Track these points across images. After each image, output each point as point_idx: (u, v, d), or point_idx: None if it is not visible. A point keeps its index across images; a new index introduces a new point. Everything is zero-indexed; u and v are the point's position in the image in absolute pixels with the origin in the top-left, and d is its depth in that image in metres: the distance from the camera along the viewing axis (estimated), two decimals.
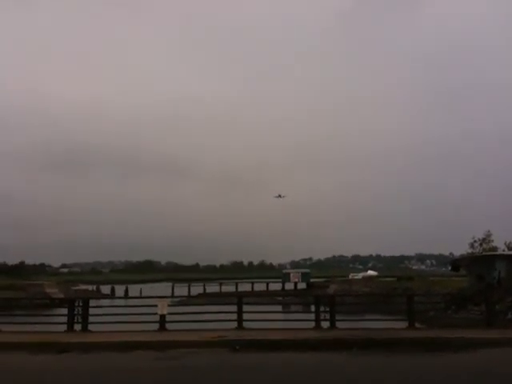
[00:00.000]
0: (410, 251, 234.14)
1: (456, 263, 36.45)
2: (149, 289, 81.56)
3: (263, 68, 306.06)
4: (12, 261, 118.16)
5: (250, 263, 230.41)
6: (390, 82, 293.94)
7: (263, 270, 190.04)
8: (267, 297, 57.52)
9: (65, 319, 19.71)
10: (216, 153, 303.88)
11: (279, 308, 36.82)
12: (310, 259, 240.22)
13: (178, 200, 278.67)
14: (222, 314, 20.16)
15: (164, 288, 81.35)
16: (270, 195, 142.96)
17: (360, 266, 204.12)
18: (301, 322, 20.58)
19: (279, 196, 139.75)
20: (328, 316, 19.76)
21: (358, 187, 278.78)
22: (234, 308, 19.70)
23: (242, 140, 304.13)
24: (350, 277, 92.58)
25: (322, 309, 20.08)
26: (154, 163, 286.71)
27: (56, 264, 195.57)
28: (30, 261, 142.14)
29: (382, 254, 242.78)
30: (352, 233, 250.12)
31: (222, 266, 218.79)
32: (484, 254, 39.52)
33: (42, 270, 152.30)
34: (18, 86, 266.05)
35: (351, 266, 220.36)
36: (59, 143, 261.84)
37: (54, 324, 20.45)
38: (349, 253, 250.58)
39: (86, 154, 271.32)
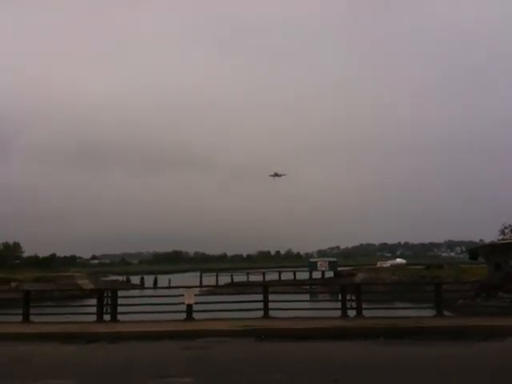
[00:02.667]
0: (440, 238, 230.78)
1: (474, 251, 35.94)
2: (177, 279, 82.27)
3: (277, 59, 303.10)
4: (43, 253, 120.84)
5: (277, 252, 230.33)
6: (414, 73, 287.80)
7: (290, 259, 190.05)
8: (294, 286, 57.54)
9: (94, 310, 20.06)
10: (241, 142, 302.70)
11: (306, 297, 36.76)
12: (338, 248, 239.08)
13: (206, 190, 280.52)
14: (249, 304, 20.24)
15: (192, 278, 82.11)
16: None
17: (388, 254, 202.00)
18: (327, 311, 20.52)
19: (275, 175, 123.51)
20: (355, 305, 19.67)
21: (387, 174, 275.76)
22: (261, 297, 19.76)
23: (266, 128, 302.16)
24: (378, 265, 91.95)
25: (348, 297, 19.97)
26: (179, 154, 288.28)
27: (86, 256, 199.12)
28: (60, 253, 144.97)
29: (411, 242, 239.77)
30: (380, 221, 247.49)
31: (249, 256, 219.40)
32: (501, 242, 38.70)
33: (72, 261, 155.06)
34: (41, 80, 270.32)
35: (379, 254, 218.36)
36: (86, 136, 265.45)
37: (84, 314, 20.85)
38: (376, 241, 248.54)
39: (113, 146, 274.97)
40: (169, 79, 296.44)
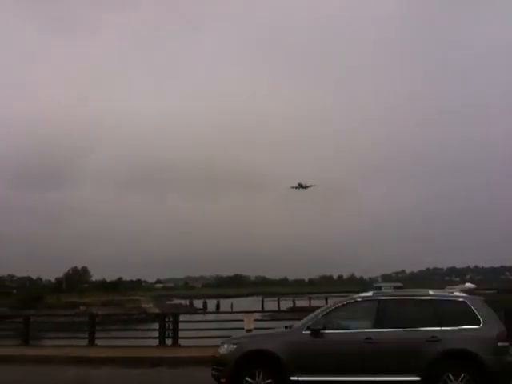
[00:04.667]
0: None
1: None
2: (240, 303, 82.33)
3: (338, 78, 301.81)
4: (110, 277, 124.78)
5: (340, 277, 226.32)
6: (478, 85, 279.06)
7: (353, 284, 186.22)
8: None
9: (157, 334, 20.37)
10: (303, 163, 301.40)
11: None
12: (403, 272, 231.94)
13: (265, 214, 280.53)
14: None
15: (254, 302, 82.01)
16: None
17: (457, 279, 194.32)
18: None
19: (300, 186, 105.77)
20: None
21: (452, 196, 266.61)
22: None
23: (331, 145, 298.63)
24: (447, 290, 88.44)
25: None
26: (238, 176, 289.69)
27: (151, 279, 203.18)
28: (126, 277, 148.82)
29: (481, 265, 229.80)
30: (447, 244, 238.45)
31: (310, 280, 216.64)
32: None
33: (138, 285, 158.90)
34: (98, 105, 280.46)
35: (447, 278, 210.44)
36: (148, 160, 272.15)
37: (148, 338, 21.21)
38: (444, 265, 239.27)
39: (173, 169, 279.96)
40: (222, 101, 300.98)
